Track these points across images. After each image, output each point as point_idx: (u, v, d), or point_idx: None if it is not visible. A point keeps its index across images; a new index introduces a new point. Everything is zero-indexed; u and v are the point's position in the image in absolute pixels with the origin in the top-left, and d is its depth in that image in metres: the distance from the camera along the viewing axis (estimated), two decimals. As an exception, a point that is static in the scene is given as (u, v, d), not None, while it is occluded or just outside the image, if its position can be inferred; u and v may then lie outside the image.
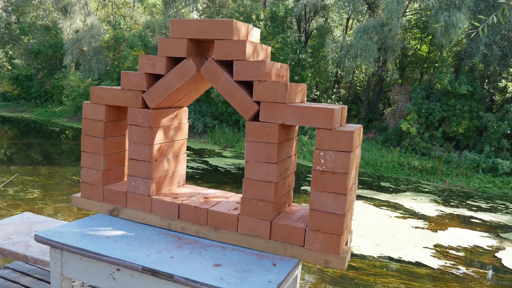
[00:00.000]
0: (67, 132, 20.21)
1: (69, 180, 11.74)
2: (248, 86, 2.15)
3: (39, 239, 2.06)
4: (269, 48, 2.31)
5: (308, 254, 2.01)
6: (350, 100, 22.92)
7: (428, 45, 20.41)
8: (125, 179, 2.64)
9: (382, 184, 18.01)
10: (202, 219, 2.22)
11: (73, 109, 21.34)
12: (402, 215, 14.56)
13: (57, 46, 24.54)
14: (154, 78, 2.30)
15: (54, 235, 2.10)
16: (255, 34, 2.24)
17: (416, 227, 13.45)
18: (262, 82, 2.01)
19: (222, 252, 2.07)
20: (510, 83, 7.63)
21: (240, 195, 2.50)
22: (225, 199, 2.40)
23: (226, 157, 19.32)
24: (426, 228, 13.32)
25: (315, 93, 21.95)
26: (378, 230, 12.53)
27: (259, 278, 1.81)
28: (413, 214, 14.94)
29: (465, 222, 14.20)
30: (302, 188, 16.28)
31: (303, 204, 2.37)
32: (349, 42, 19.28)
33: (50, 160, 14.33)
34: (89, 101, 2.47)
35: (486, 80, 18.74)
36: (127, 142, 2.60)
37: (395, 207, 15.50)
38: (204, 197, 2.41)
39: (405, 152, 19.16)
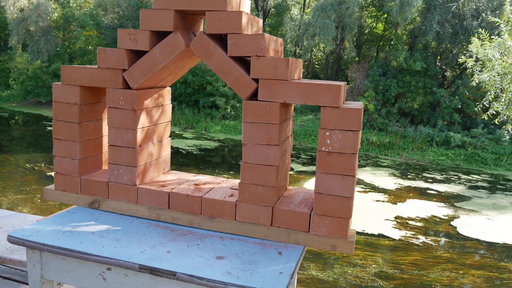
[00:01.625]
0: (16, 117, 19.02)
1: (23, 168, 11.05)
2: (242, 62, 1.97)
3: (14, 240, 1.82)
4: (261, 21, 2.13)
5: (314, 239, 1.90)
6: (309, 78, 23.03)
7: (384, 23, 20.74)
8: (104, 167, 2.41)
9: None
10: (196, 208, 2.05)
11: (22, 93, 20.07)
12: (363, 190, 14.93)
13: (0, 26, 22.84)
14: (136, 55, 2.07)
15: (31, 234, 1.86)
16: (246, 4, 2.05)
17: (377, 201, 13.83)
18: (260, 58, 1.84)
19: (221, 242, 1.92)
20: (469, 59, 7.85)
21: (232, 180, 2.35)
22: (217, 185, 2.24)
23: (187, 138, 18.95)
24: (387, 201, 13.74)
25: (274, 72, 21.82)
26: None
27: (268, 269, 1.68)
28: (373, 188, 15.36)
29: (422, 194, 14.77)
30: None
31: (301, 188, 2.25)
32: (307, 21, 19.21)
33: (0, 148, 13.45)
34: (59, 82, 2.20)
35: (439, 57, 19.36)
36: (104, 126, 2.36)
37: (356, 182, 15.77)
38: (195, 184, 2.23)
39: (364, 129, 19.59)
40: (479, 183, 15.66)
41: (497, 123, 7.39)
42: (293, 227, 1.93)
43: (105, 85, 2.08)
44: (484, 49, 7.38)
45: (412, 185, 15.73)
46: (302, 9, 22.44)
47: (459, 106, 17.57)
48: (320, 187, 1.85)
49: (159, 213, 2.10)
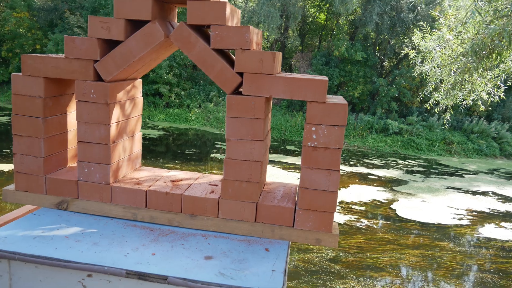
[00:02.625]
0: None
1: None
2: (221, 53, 1.90)
3: (-22, 248, 1.64)
4: (239, 11, 2.07)
5: (299, 234, 1.91)
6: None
7: (326, 13, 21.17)
8: (69, 164, 2.25)
9: (288, 147, 18.69)
10: (176, 206, 1.97)
11: None
12: (309, 177, 15.20)
13: None
14: (107, 44, 1.93)
15: (-3, 241, 1.69)
16: (225, -6, 1.98)
17: (321, 188, 14.12)
18: (245, 51, 1.79)
19: (205, 241, 1.86)
20: (411, 50, 8.22)
21: (209, 176, 2.28)
22: (195, 181, 2.17)
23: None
24: (331, 188, 14.07)
25: (219, 60, 21.60)
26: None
27: (259, 267, 1.66)
28: (318, 175, 15.66)
29: (364, 179, 15.44)
30: (211, 155, 16.17)
31: (279, 182, 2.24)
32: (251, 9, 19.15)
33: None
34: (19, 73, 2.00)
35: (377, 48, 20.14)
36: (70, 121, 2.19)
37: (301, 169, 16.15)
38: (171, 181, 2.15)
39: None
40: (415, 168, 16.62)
41: (437, 112, 7.85)
42: (277, 223, 1.92)
43: (73, 77, 1.93)
44: (425, 42, 7.75)
45: (354, 171, 16.38)
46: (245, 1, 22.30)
47: (396, 95, 18.45)
48: (306, 182, 1.85)
49: (135, 213, 2.00)
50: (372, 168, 17.06)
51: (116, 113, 2.00)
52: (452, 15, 7.40)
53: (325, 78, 1.80)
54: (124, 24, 1.84)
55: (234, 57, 1.85)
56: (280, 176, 14.35)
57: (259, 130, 1.85)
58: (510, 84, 7.31)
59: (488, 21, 6.20)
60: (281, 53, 2.04)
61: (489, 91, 7.64)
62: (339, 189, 13.97)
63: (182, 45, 1.83)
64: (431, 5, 18.15)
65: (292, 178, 14.24)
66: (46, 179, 2.05)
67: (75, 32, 16.86)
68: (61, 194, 2.05)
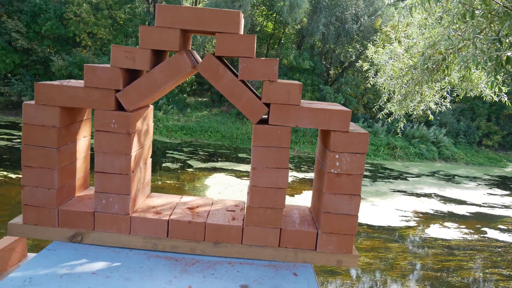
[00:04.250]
0: None
1: None
2: (243, 84, 1.95)
3: (7, 292, 1.55)
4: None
5: (321, 257, 1.98)
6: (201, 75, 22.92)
7: (273, 23, 21.59)
8: (77, 194, 2.17)
9: (240, 155, 18.79)
10: (199, 235, 1.98)
11: None
12: (262, 184, 15.37)
13: None
14: (129, 73, 1.90)
15: (24, 285, 1.61)
16: (242, 21, 2.02)
17: (276, 194, 14.33)
18: (273, 83, 1.84)
19: (233, 269, 1.88)
20: (366, 63, 8.65)
21: (223, 201, 2.30)
22: (211, 207, 2.18)
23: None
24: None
25: (167, 67, 21.28)
26: (244, 199, 13.03)
27: (297, 294, 1.71)
28: (271, 182, 15.86)
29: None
30: (163, 165, 15.89)
31: (289, 204, 2.31)
32: (201, 15, 19.12)
33: None
34: (31, 101, 1.91)
35: (324, 57, 20.85)
36: (78, 149, 2.12)
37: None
38: (188, 208, 2.14)
39: (258, 124, 20.22)
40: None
41: (390, 122, 8.31)
42: (300, 246, 1.98)
43: (93, 107, 1.87)
44: (377, 56, 8.18)
45: (306, 177, 16.78)
46: (194, 4, 22.21)
47: (342, 102, 19.17)
48: (329, 207, 1.93)
49: (156, 243, 1.98)
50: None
51: (135, 142, 1.97)
52: (403, 30, 7.88)
53: (348, 110, 1.89)
54: (150, 54, 1.83)
55: (250, 86, 1.90)
56: (235, 184, 14.40)
57: (285, 158, 1.90)
58: (455, 95, 7.90)
59: (437, 38, 6.67)
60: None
61: (436, 101, 8.20)
62: (293, 195, 14.28)
63: (210, 76, 1.85)
64: (373, 17, 19.12)
65: (246, 187, 14.25)
66: (58, 211, 1.97)
67: (13, 37, 15.87)
68: (75, 227, 1.98)
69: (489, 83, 4.03)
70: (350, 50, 19.65)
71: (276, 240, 1.97)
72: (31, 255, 2.26)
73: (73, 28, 18.39)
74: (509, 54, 3.30)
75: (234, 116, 20.54)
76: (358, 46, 19.68)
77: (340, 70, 21.16)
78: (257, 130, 1.88)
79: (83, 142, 2.17)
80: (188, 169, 15.91)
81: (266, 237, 1.97)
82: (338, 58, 20.19)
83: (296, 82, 1.88)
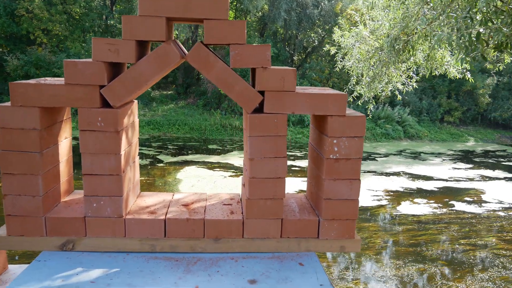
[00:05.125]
0: None
1: None
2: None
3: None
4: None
5: (324, 244, 1.95)
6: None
7: (234, 11, 21.35)
8: (63, 199, 2.04)
9: (210, 146, 18.64)
10: (198, 232, 1.90)
11: None
12: (235, 174, 15.46)
13: None
14: (112, 67, 1.78)
15: (19, 299, 1.49)
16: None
17: (249, 183, 14.37)
18: (267, 69, 1.78)
19: (237, 264, 1.82)
20: (333, 47, 8.69)
21: (218, 195, 2.23)
22: (207, 202, 2.10)
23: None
24: (258, 183, 14.37)
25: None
26: (217, 191, 13.04)
27: (307, 284, 1.67)
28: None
29: (288, 171, 15.96)
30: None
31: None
32: (160, 6, 18.65)
33: None
34: (6, 103, 1.76)
35: (287, 43, 20.86)
36: (61, 152, 1.98)
37: (226, 167, 16.33)
38: (183, 205, 2.05)
39: (225, 114, 20.12)
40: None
41: (360, 104, 8.42)
42: (303, 235, 1.95)
43: (76, 105, 1.75)
44: (344, 39, 8.23)
45: (278, 164, 16.78)
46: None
47: (309, 88, 19.24)
48: (329, 193, 1.90)
49: (154, 244, 1.88)
50: (294, 160, 17.69)
51: (123, 140, 1.86)
52: (368, 13, 7.94)
53: (344, 93, 1.86)
54: (134, 45, 1.71)
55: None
56: (207, 176, 14.29)
57: (282, 146, 1.85)
58: (421, 75, 8.07)
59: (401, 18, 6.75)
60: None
61: (403, 82, 8.35)
62: (266, 183, 14.23)
63: (200, 65, 1.76)
64: (333, 1, 19.24)
65: (219, 178, 14.26)
66: (46, 219, 1.84)
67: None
68: (65, 234, 1.86)
69: (459, 61, 4.11)
70: (312, 35, 19.74)
71: (278, 231, 1.93)
72: (12, 267, 2.12)
73: (26, 25, 17.49)
74: (481, 30, 3.36)
75: (201, 108, 20.31)
76: (320, 31, 19.80)
77: (304, 56, 21.26)
78: (253, 119, 1.81)
79: (64, 143, 2.04)
80: (159, 164, 15.64)
81: (267, 229, 1.92)
82: (301, 44, 20.25)
83: (290, 68, 1.82)
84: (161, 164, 15.80)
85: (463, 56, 3.89)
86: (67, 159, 2.08)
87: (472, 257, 8.82)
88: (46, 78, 1.96)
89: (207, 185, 13.58)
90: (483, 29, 3.33)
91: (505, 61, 5.99)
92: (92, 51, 1.73)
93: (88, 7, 18.39)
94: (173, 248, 1.90)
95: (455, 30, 3.60)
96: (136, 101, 2.11)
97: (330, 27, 19.12)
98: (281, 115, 1.82)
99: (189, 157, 16.63)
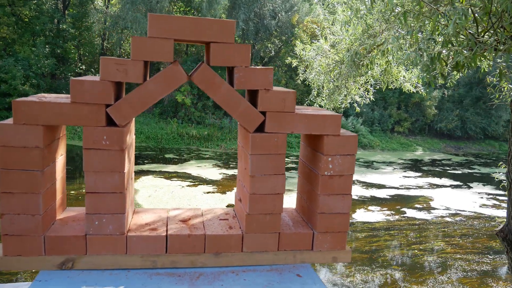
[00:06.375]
0: None
1: None
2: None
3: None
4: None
5: (317, 256, 2.06)
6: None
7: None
8: (57, 217, 2.01)
9: (166, 156, 18.40)
10: (199, 247, 1.95)
11: None
12: (193, 183, 15.38)
13: None
14: (117, 86, 1.81)
15: (30, 321, 1.47)
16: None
17: (207, 192, 14.48)
18: (269, 91, 1.87)
19: (239, 278, 1.89)
20: (294, 59, 8.95)
21: (213, 209, 2.28)
22: (203, 218, 2.15)
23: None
24: (216, 192, 14.51)
25: (80, 67, 20.04)
26: (175, 201, 12.94)
27: (309, 295, 1.77)
28: (202, 181, 15.97)
29: (246, 181, 15.98)
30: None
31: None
32: (116, 13, 18.27)
33: None
34: (7, 121, 1.74)
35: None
36: (58, 169, 1.97)
37: (184, 176, 16.21)
38: (180, 221, 2.09)
39: (182, 123, 19.97)
40: (290, 165, 17.88)
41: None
42: (298, 248, 2.05)
43: (81, 124, 1.75)
44: (305, 52, 8.50)
45: (236, 173, 16.90)
46: (107, 0, 21.14)
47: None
48: (324, 208, 2.02)
49: (155, 260, 1.91)
50: (251, 168, 17.77)
51: (126, 158, 1.88)
52: (328, 27, 8.26)
53: (339, 114, 1.98)
54: (143, 66, 1.75)
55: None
56: (164, 186, 14.11)
57: (281, 164, 1.95)
58: (378, 88, 8.48)
59: (362, 33, 7.10)
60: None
61: (361, 95, 8.74)
62: (224, 193, 14.34)
63: (206, 86, 1.82)
64: (290, 13, 19.72)
65: (177, 187, 14.10)
66: (45, 238, 1.82)
67: None
68: (65, 253, 1.84)
69: (420, 78, 4.40)
70: (269, 45, 20.09)
71: (275, 244, 2.01)
72: (3, 286, 2.06)
73: (-31, 27, 16.56)
74: (444, 51, 3.65)
75: (157, 116, 20.03)
76: (277, 42, 20.19)
77: (261, 66, 21.57)
78: (255, 138, 1.89)
79: (60, 161, 2.02)
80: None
81: (266, 243, 2.00)
82: (258, 54, 20.54)
83: (290, 90, 1.93)
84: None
85: (424, 74, 4.19)
86: (62, 177, 2.06)
87: (425, 261, 9.30)
88: (43, 94, 1.95)
89: (164, 195, 13.40)
90: (446, 50, 3.62)
91: (455, 77, 6.46)
92: (100, 71, 1.75)
93: (39, 10, 17.67)
94: (173, 264, 1.93)
95: (418, 50, 3.88)
96: (134, 118, 2.13)
97: (287, 38, 19.57)
98: (281, 135, 1.92)
99: (146, 167, 16.35)
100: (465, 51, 3.45)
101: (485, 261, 9.38)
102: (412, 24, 4.14)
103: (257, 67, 1.87)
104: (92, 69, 20.48)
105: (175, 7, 20.34)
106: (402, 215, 12.39)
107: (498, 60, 4.58)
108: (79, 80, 1.73)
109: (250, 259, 2.00)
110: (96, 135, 1.77)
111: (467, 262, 9.23)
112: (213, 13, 18.29)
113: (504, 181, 5.41)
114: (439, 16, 3.38)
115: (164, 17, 1.74)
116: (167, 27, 1.74)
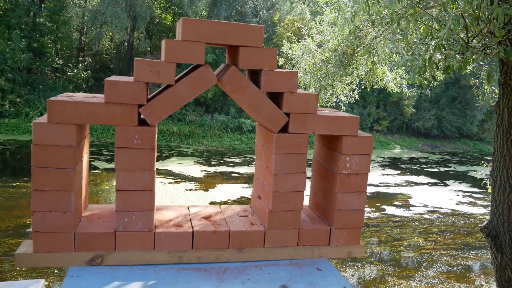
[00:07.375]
0: None
1: None
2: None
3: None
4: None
5: (334, 250, 2.17)
6: (98, 69, 21.56)
7: (172, 15, 21.16)
8: (84, 213, 2.05)
9: (148, 153, 18.21)
10: (223, 243, 2.02)
11: None
12: (175, 180, 15.33)
13: None
14: (148, 87, 1.86)
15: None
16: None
17: (190, 190, 14.47)
18: (293, 94, 1.96)
19: (263, 271, 1.97)
20: (281, 58, 9.05)
21: (231, 206, 2.35)
22: (224, 215, 2.22)
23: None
24: (199, 189, 14.52)
25: (58, 62, 19.61)
26: (158, 198, 12.90)
27: (333, 287, 1.87)
28: (184, 178, 15.94)
29: (228, 178, 16.12)
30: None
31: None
32: (95, 8, 17.95)
33: None
34: (41, 119, 1.76)
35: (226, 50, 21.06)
36: (84, 167, 2.00)
37: (165, 173, 16.12)
38: (203, 217, 2.16)
39: (163, 120, 19.80)
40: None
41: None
42: (316, 243, 2.14)
43: (114, 123, 1.80)
44: (292, 51, 8.63)
45: (218, 171, 16.94)
46: (85, 2, 20.73)
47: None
48: (341, 205, 2.12)
49: (181, 255, 1.97)
50: (233, 166, 17.88)
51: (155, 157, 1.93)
52: (315, 27, 8.40)
53: (357, 116, 2.09)
54: (175, 68, 1.81)
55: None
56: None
57: (303, 163, 2.04)
58: (363, 87, 8.68)
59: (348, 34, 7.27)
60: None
61: (346, 94, 8.92)
62: (207, 190, 14.34)
63: (233, 88, 1.89)
64: (271, 11, 19.81)
65: (159, 184, 14.02)
66: (75, 235, 1.86)
67: None
68: (94, 249, 1.88)
69: (416, 80, 4.59)
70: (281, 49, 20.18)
71: (295, 239, 2.10)
72: (14, 283, 2.08)
73: None
74: (437, 55, 3.81)
75: (138, 113, 19.76)
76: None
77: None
78: (280, 138, 1.98)
79: (85, 159, 2.06)
80: (94, 171, 15.05)
81: (286, 238, 2.09)
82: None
83: (313, 92, 2.02)
84: (96, 171, 15.21)
85: (416, 76, 4.36)
86: (86, 174, 2.09)
87: (408, 258, 9.58)
88: (74, 93, 1.98)
89: (148, 192, 13.25)
90: (440, 54, 3.78)
91: (438, 78, 6.70)
92: (134, 72, 1.79)
93: (14, 3, 17.19)
94: (199, 259, 2.00)
95: (412, 55, 4.04)
96: (156, 118, 2.18)
97: (268, 36, 19.65)
98: (303, 135, 2.01)
99: (127, 164, 16.13)
100: (457, 56, 3.62)
101: (467, 256, 9.75)
102: (403, 28, 4.30)
103: (283, 70, 1.95)
104: (69, 64, 20.06)
105: (155, 2, 20.14)
106: (382, 212, 12.69)
107: (481, 63, 4.81)
108: (113, 81, 1.77)
109: (271, 254, 2.08)
110: (128, 134, 1.82)
111: (450, 258, 9.57)
112: (194, 9, 18.20)
113: (486, 179, 5.66)
114: (432, 21, 3.53)
115: (197, 21, 1.80)
116: (200, 31, 1.80)
